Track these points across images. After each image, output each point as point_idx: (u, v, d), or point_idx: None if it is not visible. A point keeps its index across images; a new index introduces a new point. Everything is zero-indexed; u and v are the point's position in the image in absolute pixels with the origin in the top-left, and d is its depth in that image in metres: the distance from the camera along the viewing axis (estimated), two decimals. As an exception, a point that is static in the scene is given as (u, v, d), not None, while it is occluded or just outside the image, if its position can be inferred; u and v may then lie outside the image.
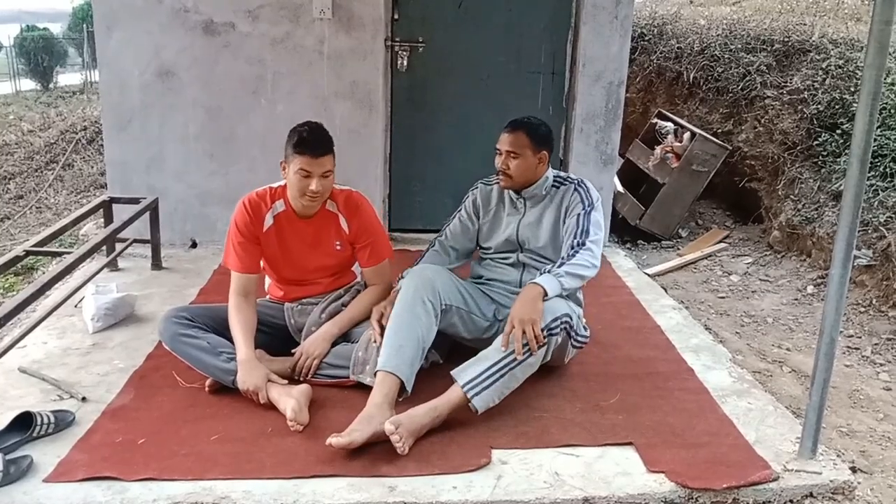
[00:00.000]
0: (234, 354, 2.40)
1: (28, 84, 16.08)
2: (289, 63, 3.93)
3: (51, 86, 15.88)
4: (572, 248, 2.47)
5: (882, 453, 2.38)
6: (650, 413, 2.38)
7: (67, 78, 16.80)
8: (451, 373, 2.26)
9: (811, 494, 2.05)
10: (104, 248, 3.43)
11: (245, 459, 2.06)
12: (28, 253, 2.74)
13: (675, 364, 2.76)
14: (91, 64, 14.52)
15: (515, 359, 2.24)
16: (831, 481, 2.07)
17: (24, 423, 2.11)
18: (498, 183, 2.68)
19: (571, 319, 2.40)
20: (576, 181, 2.64)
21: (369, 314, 2.58)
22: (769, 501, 2.02)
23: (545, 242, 2.62)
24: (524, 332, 2.23)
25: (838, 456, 2.23)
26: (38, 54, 15.93)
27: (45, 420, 2.15)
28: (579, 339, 2.55)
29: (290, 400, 2.23)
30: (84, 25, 16.05)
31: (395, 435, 2.05)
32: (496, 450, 2.14)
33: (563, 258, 2.48)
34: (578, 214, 2.53)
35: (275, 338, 2.61)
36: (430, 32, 4.06)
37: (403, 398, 2.28)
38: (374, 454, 2.08)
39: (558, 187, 2.64)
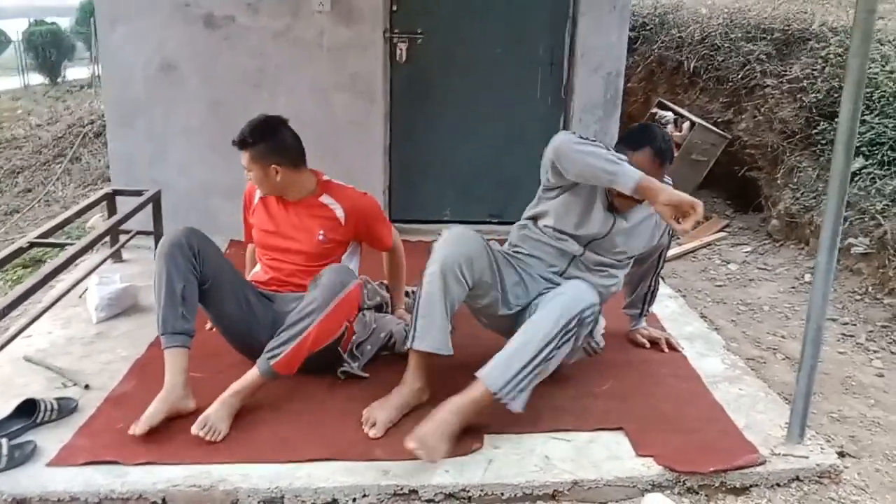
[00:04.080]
0: (191, 321, 2.30)
1: (36, 78, 16.13)
2: (289, 56, 3.96)
3: (59, 80, 15.92)
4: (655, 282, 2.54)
5: (871, 438, 2.40)
6: (642, 399, 2.42)
7: (75, 72, 16.83)
8: (478, 375, 2.10)
9: (797, 478, 2.09)
10: (108, 239, 3.48)
11: (242, 444, 2.12)
12: (32, 244, 2.79)
13: (669, 351, 2.79)
14: (98, 58, 14.54)
15: (550, 353, 2.12)
16: (818, 465, 2.10)
17: (28, 410, 2.17)
18: None
19: (597, 307, 2.25)
20: None
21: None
22: (756, 485, 2.06)
23: (635, 252, 2.47)
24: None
25: (826, 441, 2.26)
26: (46, 49, 15.95)
27: (49, 407, 2.20)
28: (592, 345, 2.43)
29: (162, 404, 2.19)
30: (91, 20, 16.01)
31: (421, 453, 1.98)
32: (489, 435, 2.18)
33: (647, 294, 2.62)
34: (664, 250, 2.50)
35: (253, 319, 2.48)
36: (429, 24, 4.08)
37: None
38: (369, 439, 2.12)
39: None
